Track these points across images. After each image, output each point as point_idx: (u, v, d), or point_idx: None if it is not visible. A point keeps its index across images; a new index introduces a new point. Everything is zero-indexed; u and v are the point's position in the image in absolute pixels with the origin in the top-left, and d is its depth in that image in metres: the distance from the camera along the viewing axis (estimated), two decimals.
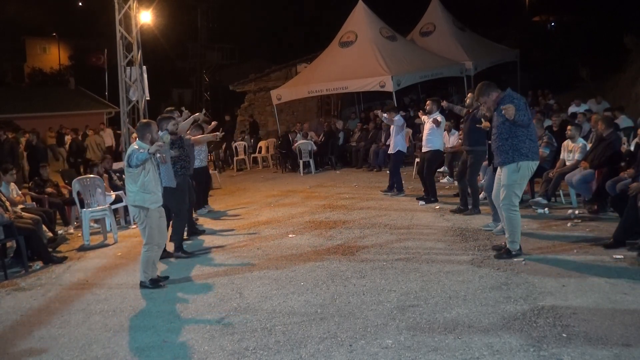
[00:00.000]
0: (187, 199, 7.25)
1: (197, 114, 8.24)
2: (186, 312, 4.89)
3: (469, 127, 7.55)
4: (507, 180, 5.54)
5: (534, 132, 5.67)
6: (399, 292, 4.87)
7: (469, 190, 7.86)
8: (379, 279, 5.30)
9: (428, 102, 9.15)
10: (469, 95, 7.86)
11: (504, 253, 5.65)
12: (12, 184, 8.09)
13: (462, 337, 3.86)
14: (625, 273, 4.91)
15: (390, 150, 9.95)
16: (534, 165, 5.57)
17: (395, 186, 9.89)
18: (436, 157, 9.11)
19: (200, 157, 9.37)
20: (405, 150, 10.18)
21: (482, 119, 6.79)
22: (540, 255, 5.63)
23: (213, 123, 9.93)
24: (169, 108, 8.29)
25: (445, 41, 17.90)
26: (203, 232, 8.07)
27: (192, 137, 8.17)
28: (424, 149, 9.01)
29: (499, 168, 5.69)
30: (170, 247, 6.81)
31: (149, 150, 5.38)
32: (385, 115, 10.08)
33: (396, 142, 9.77)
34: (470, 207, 7.86)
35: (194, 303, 5.11)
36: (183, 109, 8.26)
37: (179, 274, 6.10)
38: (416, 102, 18.60)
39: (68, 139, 20.21)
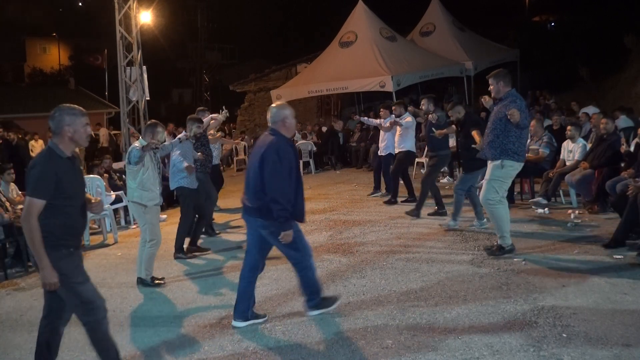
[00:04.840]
0: (204, 198, 7.25)
1: (218, 114, 8.29)
2: (186, 312, 4.89)
3: (428, 133, 7.79)
4: (489, 176, 5.63)
5: (526, 134, 5.76)
6: (399, 292, 4.87)
7: (423, 190, 7.84)
8: (379, 279, 5.30)
9: (394, 107, 9.23)
10: (423, 101, 7.99)
11: (496, 250, 5.69)
12: (12, 184, 8.08)
13: (462, 337, 3.86)
14: (625, 273, 4.91)
15: (381, 152, 9.53)
16: (518, 166, 5.61)
17: (375, 185, 9.94)
18: (407, 158, 9.11)
19: (213, 155, 9.24)
20: (394, 153, 9.57)
21: (434, 127, 7.42)
22: (540, 255, 5.63)
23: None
24: (200, 108, 8.35)
25: (445, 41, 17.89)
26: (217, 233, 8.00)
27: (210, 138, 8.37)
28: (396, 150, 9.05)
29: (488, 164, 5.71)
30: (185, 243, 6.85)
31: (143, 147, 5.46)
32: (365, 118, 10.69)
33: (388, 144, 9.34)
34: (420, 208, 7.86)
35: (194, 303, 5.12)
36: (224, 107, 8.35)
37: (179, 273, 6.10)
38: (416, 102, 18.58)
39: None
